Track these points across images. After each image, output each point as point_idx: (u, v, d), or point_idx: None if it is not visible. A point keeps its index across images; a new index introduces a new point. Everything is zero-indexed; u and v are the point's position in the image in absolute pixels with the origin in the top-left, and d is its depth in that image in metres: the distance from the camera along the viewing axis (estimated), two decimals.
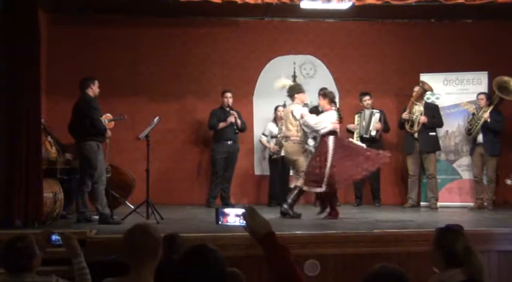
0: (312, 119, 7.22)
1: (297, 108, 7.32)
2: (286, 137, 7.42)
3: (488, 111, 8.38)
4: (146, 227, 2.84)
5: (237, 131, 8.63)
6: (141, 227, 2.84)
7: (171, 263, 2.59)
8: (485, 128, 8.36)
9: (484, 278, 3.03)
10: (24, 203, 6.22)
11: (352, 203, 8.97)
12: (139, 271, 2.71)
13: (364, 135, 8.78)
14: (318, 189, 7.06)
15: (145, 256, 2.72)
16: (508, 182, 7.72)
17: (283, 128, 7.60)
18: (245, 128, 8.80)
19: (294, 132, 7.28)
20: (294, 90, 7.42)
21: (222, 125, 8.54)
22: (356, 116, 8.93)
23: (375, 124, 8.79)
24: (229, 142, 8.63)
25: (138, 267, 2.72)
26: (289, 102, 7.63)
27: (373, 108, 8.92)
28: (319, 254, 5.52)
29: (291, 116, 7.30)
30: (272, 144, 8.81)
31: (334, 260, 5.51)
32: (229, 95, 8.62)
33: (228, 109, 8.60)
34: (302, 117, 7.22)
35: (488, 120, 8.34)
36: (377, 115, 8.80)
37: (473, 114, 8.61)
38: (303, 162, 7.26)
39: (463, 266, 3.04)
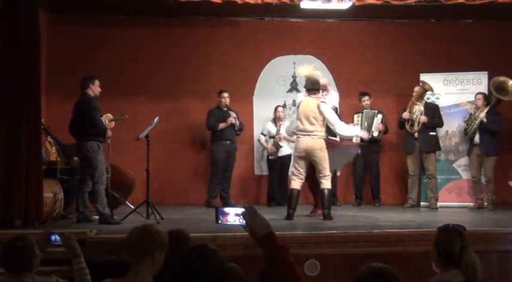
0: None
1: (325, 105, 7.05)
2: (309, 132, 6.96)
3: (485, 112, 8.38)
4: (146, 228, 2.84)
5: (238, 132, 8.62)
6: (143, 227, 2.85)
7: (172, 261, 2.59)
8: (482, 128, 8.36)
9: (479, 278, 3.02)
10: (24, 203, 6.21)
11: (352, 203, 8.97)
12: (137, 271, 2.72)
13: None
14: None
15: (140, 256, 2.72)
16: (511, 183, 7.73)
17: (303, 123, 7.01)
18: (243, 128, 8.80)
19: (318, 127, 6.96)
20: (318, 85, 7.13)
21: (222, 125, 8.53)
22: (355, 116, 8.93)
23: (378, 125, 8.81)
24: (228, 142, 8.62)
25: (136, 266, 2.72)
26: (306, 94, 7.21)
27: (371, 109, 8.93)
28: (319, 254, 5.51)
29: (317, 110, 6.95)
30: (270, 145, 8.80)
31: (334, 260, 5.50)
32: (226, 95, 8.61)
33: (225, 109, 8.59)
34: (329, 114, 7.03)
35: (484, 120, 8.33)
36: (380, 116, 8.83)
37: (471, 114, 8.62)
38: (327, 159, 6.97)
39: (460, 266, 3.05)
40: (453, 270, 3.06)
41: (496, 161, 8.41)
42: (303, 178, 7.04)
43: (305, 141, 6.94)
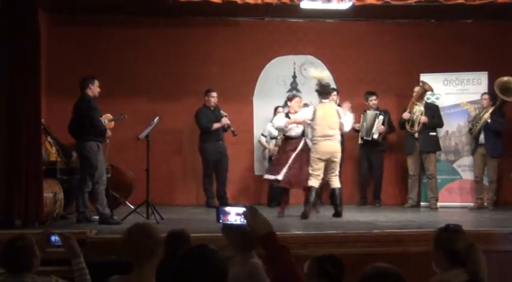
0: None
1: (340, 108, 7.51)
2: (331, 136, 7.23)
3: (489, 112, 8.38)
4: (145, 227, 2.86)
5: (235, 133, 8.56)
6: (140, 227, 2.86)
7: (172, 261, 2.59)
8: (487, 128, 8.36)
9: (484, 276, 3.02)
10: (24, 203, 6.21)
11: (356, 203, 8.98)
12: (142, 270, 2.74)
13: (365, 137, 8.78)
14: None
15: (143, 255, 2.74)
16: None
17: (324, 129, 7.22)
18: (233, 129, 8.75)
19: (337, 130, 7.30)
20: (330, 89, 7.58)
21: (216, 125, 8.47)
22: (362, 116, 8.93)
23: (378, 127, 8.79)
24: (221, 142, 8.59)
25: (140, 267, 2.74)
26: (321, 99, 7.41)
27: (377, 108, 8.92)
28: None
29: (337, 114, 7.32)
30: (272, 145, 8.79)
31: None
32: (215, 94, 8.56)
33: (213, 109, 8.54)
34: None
35: (489, 120, 8.33)
36: (381, 118, 8.79)
37: (476, 114, 8.62)
38: None
39: (466, 265, 3.04)
40: (456, 269, 3.05)
41: (499, 162, 8.40)
42: (320, 179, 7.24)
43: (328, 145, 7.23)
